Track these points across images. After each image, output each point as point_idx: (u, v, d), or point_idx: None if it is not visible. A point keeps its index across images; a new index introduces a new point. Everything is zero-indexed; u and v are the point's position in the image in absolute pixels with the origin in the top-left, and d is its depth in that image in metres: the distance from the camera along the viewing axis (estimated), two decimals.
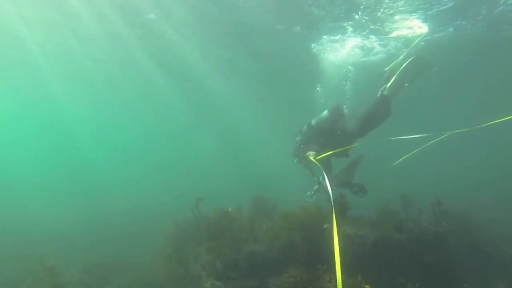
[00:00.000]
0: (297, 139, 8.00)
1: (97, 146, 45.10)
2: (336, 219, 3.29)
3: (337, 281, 2.49)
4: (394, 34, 12.07)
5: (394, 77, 6.23)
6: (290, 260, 6.43)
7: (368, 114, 6.54)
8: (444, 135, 6.26)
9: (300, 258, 6.38)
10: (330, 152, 6.54)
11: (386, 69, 6.73)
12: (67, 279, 9.31)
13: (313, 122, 7.47)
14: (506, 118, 4.73)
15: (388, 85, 6.30)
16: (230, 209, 8.62)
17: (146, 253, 11.98)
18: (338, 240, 2.95)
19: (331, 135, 7.09)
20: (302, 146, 7.59)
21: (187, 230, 9.36)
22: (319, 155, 6.53)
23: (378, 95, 6.49)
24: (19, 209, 23.88)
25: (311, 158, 6.51)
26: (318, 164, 5.92)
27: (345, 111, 7.49)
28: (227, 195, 18.43)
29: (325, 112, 7.21)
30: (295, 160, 8.07)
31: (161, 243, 10.28)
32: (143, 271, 9.43)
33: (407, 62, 6.16)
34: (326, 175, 4.99)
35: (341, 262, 2.68)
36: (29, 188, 36.53)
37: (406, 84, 6.35)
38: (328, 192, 4.37)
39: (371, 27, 11.56)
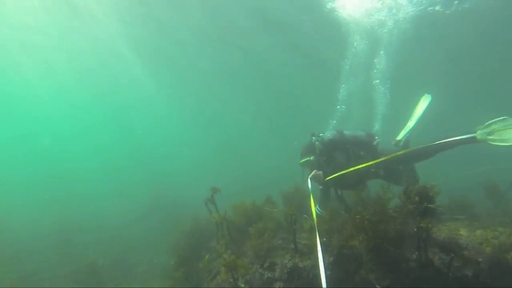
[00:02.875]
0: (317, 143, 6.20)
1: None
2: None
3: None
4: None
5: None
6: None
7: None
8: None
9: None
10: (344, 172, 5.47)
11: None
12: None
13: (347, 132, 6.45)
14: None
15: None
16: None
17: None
18: None
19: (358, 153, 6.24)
20: (324, 159, 6.07)
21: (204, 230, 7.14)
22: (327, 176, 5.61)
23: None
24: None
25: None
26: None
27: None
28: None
29: (361, 132, 6.50)
30: (302, 160, 6.14)
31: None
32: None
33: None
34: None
35: None
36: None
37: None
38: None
39: None
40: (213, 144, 44.74)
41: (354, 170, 5.34)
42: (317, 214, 5.89)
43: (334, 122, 10.02)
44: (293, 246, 4.69)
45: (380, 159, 5.76)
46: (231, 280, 4.38)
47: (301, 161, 5.91)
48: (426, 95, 7.17)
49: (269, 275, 4.41)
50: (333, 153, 5.85)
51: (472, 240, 4.58)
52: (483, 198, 7.69)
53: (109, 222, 16.93)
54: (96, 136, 44.38)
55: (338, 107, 10.94)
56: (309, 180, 5.22)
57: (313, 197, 6.21)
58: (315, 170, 5.42)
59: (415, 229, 4.24)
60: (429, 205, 4.19)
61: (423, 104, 7.14)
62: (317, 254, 3.48)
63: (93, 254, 12.02)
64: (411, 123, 6.87)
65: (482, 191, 7.82)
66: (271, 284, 4.38)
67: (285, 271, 4.39)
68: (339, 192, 5.99)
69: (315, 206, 5.88)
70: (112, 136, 44.41)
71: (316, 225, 4.11)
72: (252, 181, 23.09)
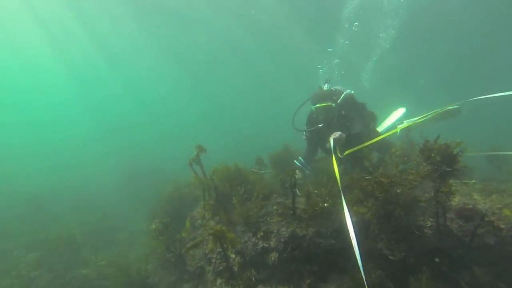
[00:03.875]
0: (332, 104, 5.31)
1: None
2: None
3: None
4: None
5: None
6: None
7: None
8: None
9: None
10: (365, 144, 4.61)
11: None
12: None
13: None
14: None
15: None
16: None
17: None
18: None
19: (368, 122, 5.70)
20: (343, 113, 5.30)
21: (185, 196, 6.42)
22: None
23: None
24: None
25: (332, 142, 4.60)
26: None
27: None
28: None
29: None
30: (319, 105, 5.27)
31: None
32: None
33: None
34: None
35: None
36: None
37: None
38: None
39: None
40: (202, 107, 43.35)
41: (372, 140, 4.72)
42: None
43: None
44: (291, 212, 4.06)
45: (394, 131, 5.43)
46: (220, 250, 3.75)
47: (318, 105, 5.10)
48: (401, 108, 7.00)
49: (264, 244, 3.80)
50: (351, 113, 5.16)
51: (490, 206, 4.08)
52: (486, 164, 7.29)
53: (88, 191, 16.10)
54: (76, 102, 42.29)
55: (337, 60, 10.11)
56: (331, 140, 4.49)
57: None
58: (338, 132, 4.67)
59: (433, 194, 3.68)
60: (453, 166, 3.59)
61: (396, 114, 6.91)
62: (346, 220, 3.06)
63: (71, 223, 11.34)
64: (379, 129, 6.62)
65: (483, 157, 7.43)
66: (266, 254, 3.78)
67: (282, 240, 3.78)
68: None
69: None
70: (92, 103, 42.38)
71: (341, 190, 3.49)
72: (244, 146, 22.47)
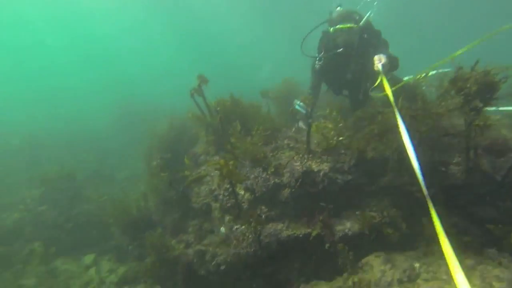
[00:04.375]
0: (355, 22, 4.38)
1: None
2: None
3: None
4: None
5: None
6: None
7: None
8: None
9: None
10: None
11: None
12: None
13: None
14: None
15: None
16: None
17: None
18: None
19: None
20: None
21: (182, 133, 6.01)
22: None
23: None
24: None
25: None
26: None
27: None
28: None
29: None
30: (341, 26, 4.34)
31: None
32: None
33: None
34: None
35: None
36: None
37: None
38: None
39: None
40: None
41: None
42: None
43: None
44: (304, 146, 3.70)
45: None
46: (227, 186, 3.47)
47: (340, 25, 4.27)
48: None
49: (276, 180, 3.51)
50: (372, 39, 4.43)
51: None
52: None
53: (85, 133, 15.65)
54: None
55: None
56: (379, 65, 3.78)
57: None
58: (383, 55, 3.92)
59: (466, 126, 3.28)
60: (492, 96, 3.13)
61: None
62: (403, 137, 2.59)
63: (70, 162, 11.15)
64: None
65: None
66: (278, 191, 3.51)
67: (296, 175, 3.47)
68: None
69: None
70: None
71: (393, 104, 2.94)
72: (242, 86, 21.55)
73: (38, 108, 22.51)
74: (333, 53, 4.21)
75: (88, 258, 6.73)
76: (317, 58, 4.60)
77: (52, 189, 8.55)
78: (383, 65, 3.73)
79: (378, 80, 3.75)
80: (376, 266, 2.96)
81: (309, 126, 3.49)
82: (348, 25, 4.17)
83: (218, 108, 3.82)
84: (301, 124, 4.55)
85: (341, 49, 4.15)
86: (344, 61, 4.38)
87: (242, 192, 3.60)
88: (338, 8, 4.78)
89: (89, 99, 24.26)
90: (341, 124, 3.95)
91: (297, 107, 4.29)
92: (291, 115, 4.70)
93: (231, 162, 3.05)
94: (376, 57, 3.87)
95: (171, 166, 4.51)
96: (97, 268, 6.48)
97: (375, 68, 3.79)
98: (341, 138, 3.78)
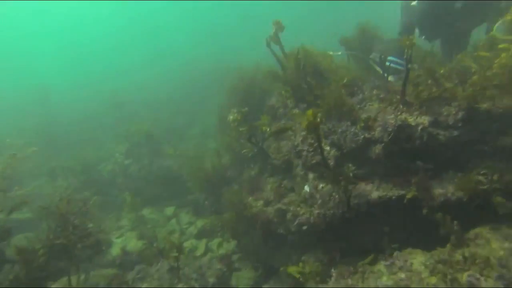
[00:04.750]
0: None
1: None
2: None
3: None
4: None
5: None
6: None
7: None
8: None
9: None
10: None
11: None
12: None
13: None
14: None
15: None
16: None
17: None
18: None
19: None
20: None
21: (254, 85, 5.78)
22: None
23: None
24: None
25: None
26: None
27: None
28: None
29: None
30: None
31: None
32: None
33: None
34: None
35: None
36: None
37: None
38: None
39: None
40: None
41: None
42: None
43: None
44: (399, 97, 3.22)
45: None
46: (312, 141, 3.22)
47: None
48: None
49: (366, 135, 3.14)
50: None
51: None
52: None
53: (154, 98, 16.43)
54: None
55: None
56: None
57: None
58: None
59: None
60: None
61: None
62: None
63: (146, 119, 11.91)
64: None
65: None
66: (368, 147, 3.16)
67: (389, 129, 3.06)
68: None
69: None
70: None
71: None
72: None
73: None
74: None
75: (169, 210, 7.33)
76: None
77: (134, 144, 9.31)
78: None
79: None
80: (493, 241, 2.52)
81: (407, 71, 2.97)
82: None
83: (299, 56, 3.46)
84: (390, 78, 3.98)
85: None
86: None
87: (327, 148, 3.34)
88: None
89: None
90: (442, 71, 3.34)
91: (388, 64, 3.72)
92: (371, 67, 4.14)
93: (319, 114, 2.76)
94: None
95: (248, 120, 4.39)
96: (177, 219, 7.02)
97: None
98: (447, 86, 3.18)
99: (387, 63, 3.81)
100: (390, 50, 4.65)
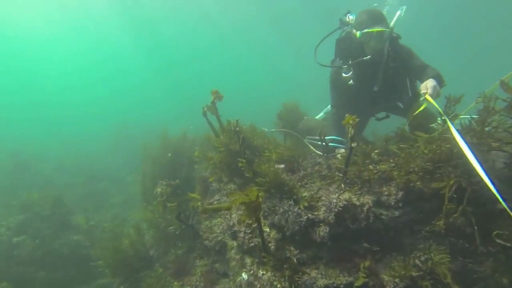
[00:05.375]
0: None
1: None
2: None
3: None
4: None
5: None
6: None
7: None
8: None
9: None
10: None
11: None
12: None
13: None
14: None
15: None
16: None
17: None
18: None
19: None
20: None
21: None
22: None
23: None
24: None
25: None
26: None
27: None
28: None
29: None
30: (374, 29, 3.74)
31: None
32: None
33: None
34: None
35: None
36: None
37: None
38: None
39: None
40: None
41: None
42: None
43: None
44: (341, 175, 3.09)
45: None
46: (250, 221, 2.80)
47: (368, 30, 3.62)
48: None
49: (309, 215, 2.85)
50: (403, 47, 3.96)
51: None
52: None
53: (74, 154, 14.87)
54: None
55: None
56: (426, 89, 3.24)
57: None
58: (432, 80, 3.37)
59: None
60: None
61: None
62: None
63: (57, 183, 10.34)
64: None
65: None
66: (312, 228, 2.85)
67: (335, 210, 2.83)
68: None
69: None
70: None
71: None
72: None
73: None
74: (358, 61, 3.68)
75: None
76: (342, 68, 4.01)
77: (34, 215, 7.69)
78: (433, 89, 3.25)
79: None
80: None
81: (350, 150, 2.89)
82: (380, 29, 3.64)
83: (238, 129, 3.22)
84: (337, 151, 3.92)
85: (368, 57, 3.64)
86: (370, 71, 3.87)
87: (267, 230, 2.93)
88: (349, 15, 4.26)
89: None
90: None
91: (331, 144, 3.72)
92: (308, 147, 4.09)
93: (260, 194, 2.41)
94: (422, 85, 3.39)
95: (177, 194, 3.81)
96: None
97: (423, 96, 3.28)
98: (384, 167, 3.18)
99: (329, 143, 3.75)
100: (314, 129, 4.71)
